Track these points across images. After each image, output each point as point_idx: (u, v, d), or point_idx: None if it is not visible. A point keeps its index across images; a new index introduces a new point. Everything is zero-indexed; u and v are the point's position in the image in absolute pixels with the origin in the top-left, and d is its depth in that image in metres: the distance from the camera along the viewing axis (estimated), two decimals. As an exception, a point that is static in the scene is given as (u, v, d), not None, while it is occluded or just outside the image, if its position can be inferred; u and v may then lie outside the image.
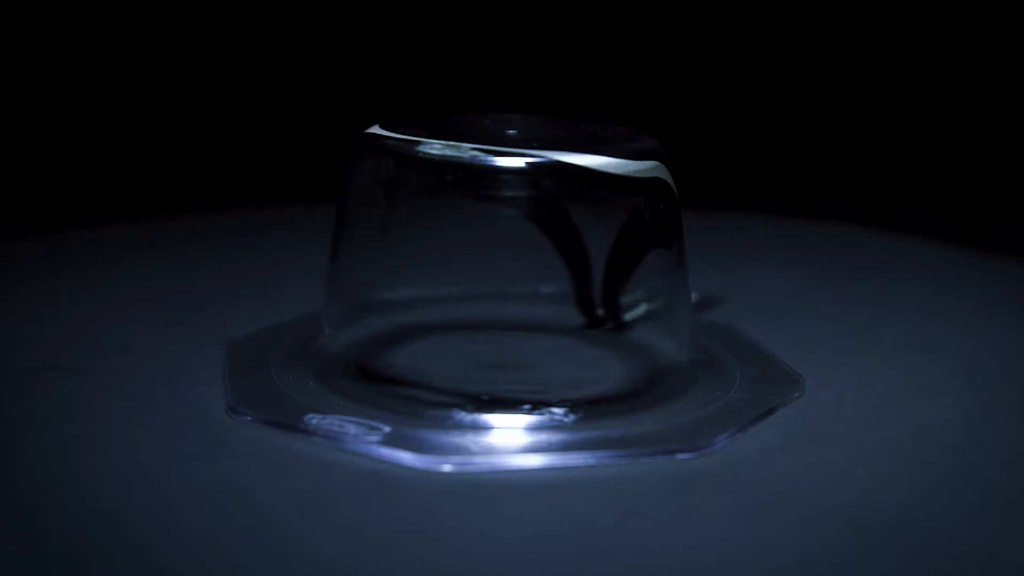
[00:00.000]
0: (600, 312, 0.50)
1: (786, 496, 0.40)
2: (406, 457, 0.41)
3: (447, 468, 0.40)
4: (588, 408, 0.44)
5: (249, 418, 0.43)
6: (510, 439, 0.42)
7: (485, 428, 0.43)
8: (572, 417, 0.44)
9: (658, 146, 0.47)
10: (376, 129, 0.47)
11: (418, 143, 0.45)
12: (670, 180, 0.47)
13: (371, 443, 0.41)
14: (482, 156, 0.44)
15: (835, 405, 0.47)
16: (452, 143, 0.45)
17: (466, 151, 0.44)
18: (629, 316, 0.49)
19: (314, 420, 0.43)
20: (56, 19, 0.97)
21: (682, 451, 0.42)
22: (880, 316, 0.59)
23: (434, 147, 0.45)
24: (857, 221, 0.76)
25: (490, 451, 0.42)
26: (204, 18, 1.01)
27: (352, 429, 0.42)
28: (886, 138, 0.97)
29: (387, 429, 0.42)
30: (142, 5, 0.99)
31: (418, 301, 0.50)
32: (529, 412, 0.43)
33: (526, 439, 0.42)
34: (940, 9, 0.98)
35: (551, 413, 0.43)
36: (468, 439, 0.42)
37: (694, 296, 0.51)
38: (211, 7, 1.00)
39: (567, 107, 0.53)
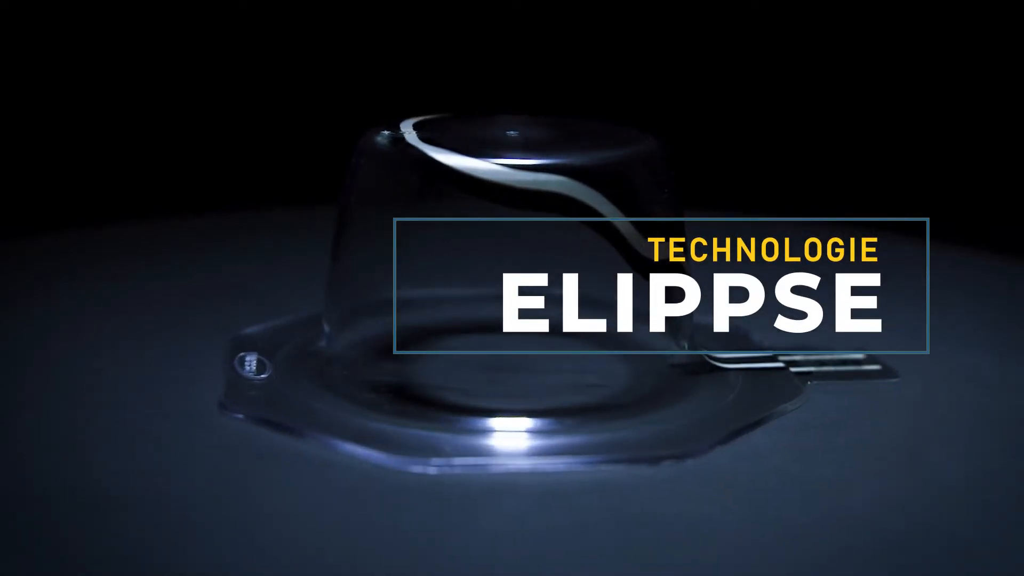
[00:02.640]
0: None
1: (786, 497, 0.40)
2: (406, 460, 0.41)
3: (447, 471, 0.40)
4: (588, 411, 0.44)
5: (241, 416, 0.44)
6: (510, 442, 0.42)
7: (485, 431, 0.43)
8: (573, 420, 0.44)
9: (658, 146, 0.47)
10: (377, 133, 0.47)
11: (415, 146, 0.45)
12: (587, 199, 0.45)
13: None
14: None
15: (836, 407, 0.47)
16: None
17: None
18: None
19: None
20: (56, 19, 0.96)
21: (682, 454, 0.42)
22: (881, 317, 0.59)
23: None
24: (857, 222, 0.76)
25: (490, 454, 0.42)
26: (203, 18, 1.00)
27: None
28: (885, 138, 0.97)
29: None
30: (143, 6, 0.99)
31: (418, 302, 0.50)
32: (530, 415, 0.43)
33: (526, 442, 0.42)
34: (940, 9, 0.98)
35: (551, 416, 0.43)
36: (468, 442, 0.42)
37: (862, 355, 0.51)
38: (211, 7, 1.00)
39: (567, 107, 0.53)
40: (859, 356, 0.50)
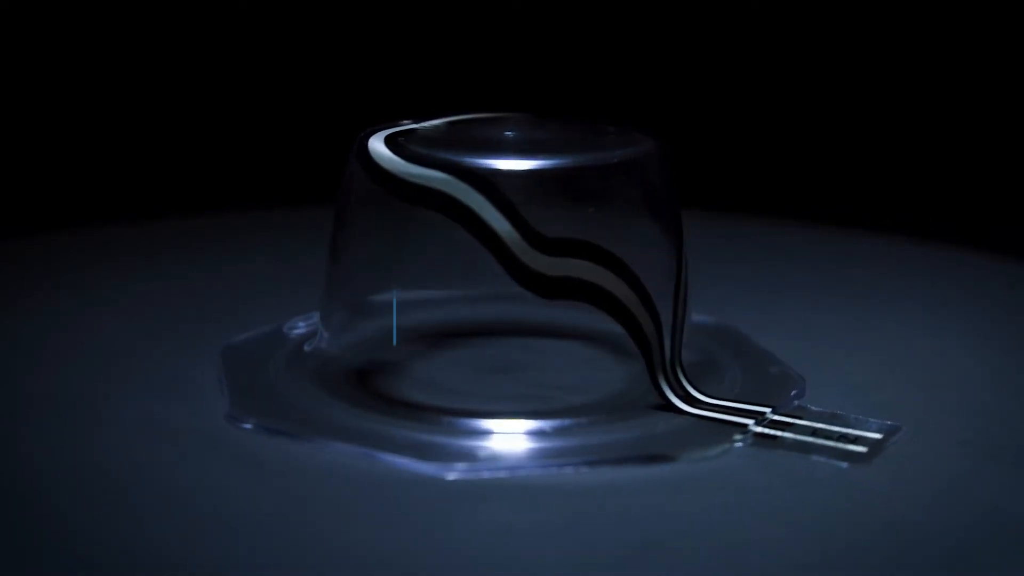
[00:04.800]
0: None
1: (785, 497, 0.40)
2: (406, 462, 0.41)
3: (447, 474, 0.40)
4: (588, 412, 0.44)
5: (249, 426, 0.43)
6: (510, 444, 0.42)
7: (484, 433, 0.43)
8: (572, 421, 0.43)
9: (656, 147, 0.47)
10: (373, 137, 0.47)
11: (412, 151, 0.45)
12: (468, 201, 0.43)
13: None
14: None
15: (834, 406, 0.47)
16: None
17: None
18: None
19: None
20: (56, 20, 0.96)
21: (683, 454, 0.42)
22: (880, 316, 0.59)
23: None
24: (856, 223, 0.76)
25: (490, 456, 0.42)
26: (204, 18, 1.00)
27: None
28: (884, 139, 0.97)
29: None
30: (143, 6, 0.99)
31: (416, 304, 0.50)
32: (529, 417, 0.43)
33: (526, 444, 0.42)
34: (940, 9, 0.98)
35: (552, 418, 0.43)
36: (467, 444, 0.42)
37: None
38: (211, 7, 1.00)
39: (566, 108, 0.53)
40: (873, 435, 0.43)
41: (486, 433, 0.43)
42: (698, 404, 0.44)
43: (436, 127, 0.49)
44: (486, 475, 0.40)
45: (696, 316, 0.52)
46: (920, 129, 0.96)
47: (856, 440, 0.42)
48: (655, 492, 0.40)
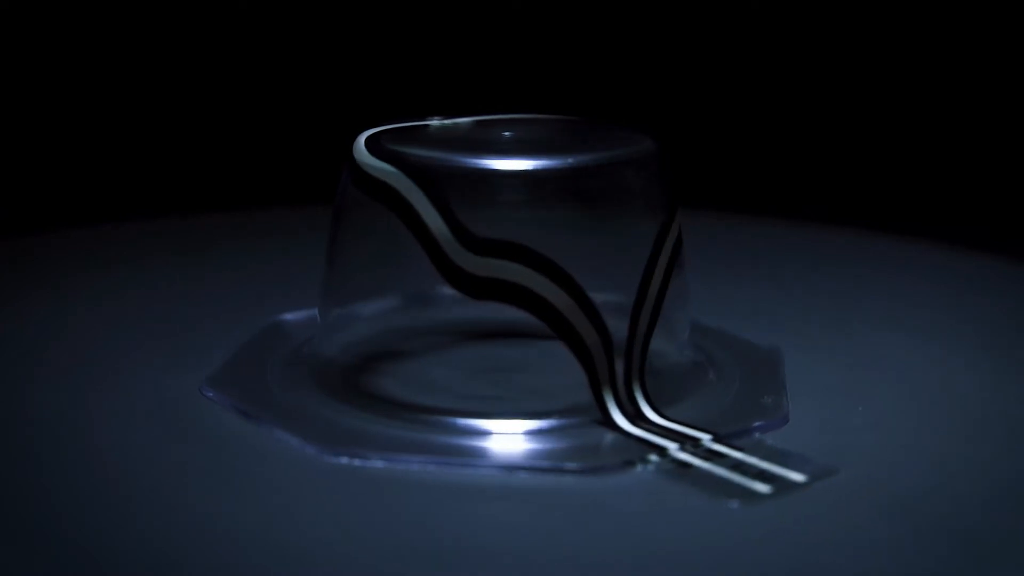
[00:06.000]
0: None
1: (784, 496, 0.40)
2: (400, 460, 0.41)
3: (441, 470, 0.40)
4: (532, 417, 0.44)
5: (259, 424, 0.44)
6: (506, 444, 0.42)
7: (480, 433, 0.43)
8: (571, 420, 0.43)
9: (655, 147, 0.47)
10: (366, 140, 0.47)
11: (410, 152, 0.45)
12: (408, 196, 0.43)
13: None
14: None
15: (833, 405, 0.47)
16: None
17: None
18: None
19: None
20: (57, 21, 0.97)
21: (682, 453, 0.42)
22: (878, 317, 0.59)
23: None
24: (854, 222, 0.76)
25: (485, 455, 0.42)
26: (205, 18, 1.01)
27: None
28: (884, 139, 0.97)
29: None
30: (143, 6, 0.99)
31: (414, 304, 0.50)
32: (526, 417, 0.43)
33: (523, 444, 0.42)
34: (940, 9, 0.98)
35: (549, 419, 0.43)
36: (464, 444, 0.42)
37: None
38: (211, 7, 1.00)
39: (567, 107, 0.53)
40: (795, 476, 0.41)
41: (480, 433, 0.43)
42: (641, 422, 0.43)
43: (445, 126, 0.49)
44: (476, 472, 0.41)
45: (749, 333, 0.52)
46: (920, 129, 0.96)
47: (770, 478, 0.40)
48: (501, 500, 0.39)
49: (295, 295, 0.55)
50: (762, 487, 0.40)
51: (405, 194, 0.43)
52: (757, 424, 0.44)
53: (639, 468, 0.41)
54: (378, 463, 0.41)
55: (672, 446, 0.42)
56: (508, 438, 0.43)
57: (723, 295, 0.59)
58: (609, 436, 0.43)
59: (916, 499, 0.40)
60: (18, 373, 0.49)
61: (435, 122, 0.49)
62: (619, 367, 0.43)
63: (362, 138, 0.46)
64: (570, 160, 0.45)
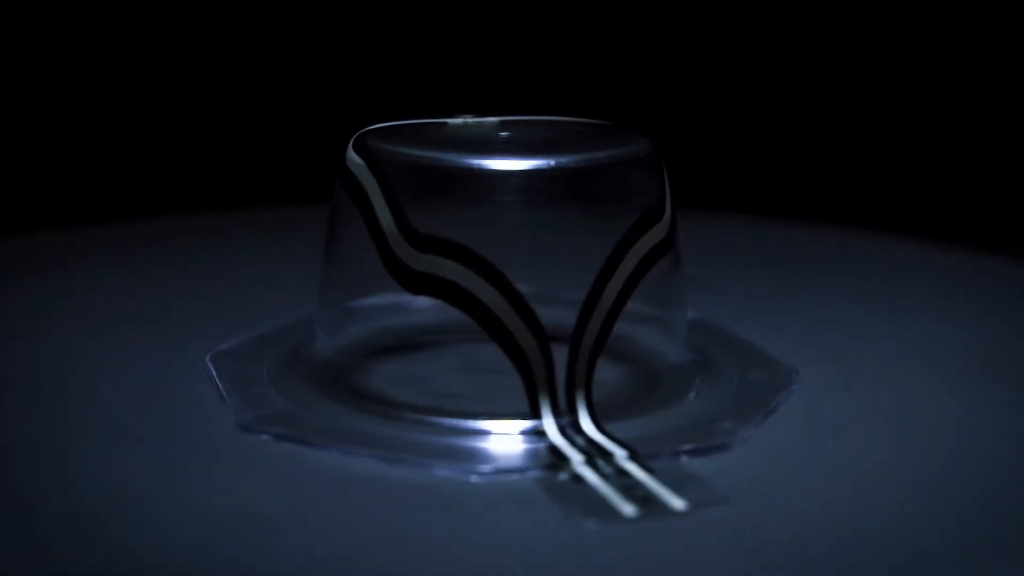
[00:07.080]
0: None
1: (784, 496, 0.40)
2: (400, 463, 0.41)
3: (440, 474, 0.40)
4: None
5: (266, 437, 0.43)
6: (503, 445, 0.42)
7: (478, 433, 0.43)
8: (569, 420, 0.43)
9: (652, 146, 0.47)
10: (365, 136, 0.47)
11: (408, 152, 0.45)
12: (366, 185, 0.44)
13: None
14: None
15: (830, 405, 0.47)
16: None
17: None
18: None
19: None
20: (57, 20, 0.97)
21: (687, 452, 0.42)
22: (877, 316, 0.59)
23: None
24: (852, 222, 0.76)
25: (483, 457, 0.42)
26: (205, 19, 1.01)
27: None
28: (884, 138, 0.97)
29: None
30: (144, 6, 0.99)
31: (412, 305, 0.50)
32: (522, 418, 0.43)
33: (520, 445, 0.42)
34: (939, 9, 0.98)
35: (546, 419, 0.43)
36: (462, 445, 0.42)
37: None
38: (211, 7, 1.00)
39: (566, 108, 0.53)
40: (677, 503, 0.39)
41: (477, 433, 0.43)
42: (572, 431, 0.42)
43: (468, 125, 0.49)
44: (475, 476, 0.41)
45: (749, 333, 0.52)
46: (920, 129, 0.96)
47: (649, 502, 0.39)
48: (401, 500, 0.39)
49: (295, 296, 0.55)
50: (628, 509, 0.38)
51: (365, 187, 0.44)
52: (687, 447, 0.42)
53: (526, 475, 0.40)
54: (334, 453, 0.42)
55: (577, 458, 0.41)
56: (471, 438, 0.43)
57: (724, 295, 0.59)
58: (527, 443, 0.43)
59: (776, 547, 0.37)
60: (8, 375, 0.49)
61: (459, 120, 0.49)
62: (560, 374, 0.43)
63: (361, 132, 0.46)
64: (569, 160, 0.45)
